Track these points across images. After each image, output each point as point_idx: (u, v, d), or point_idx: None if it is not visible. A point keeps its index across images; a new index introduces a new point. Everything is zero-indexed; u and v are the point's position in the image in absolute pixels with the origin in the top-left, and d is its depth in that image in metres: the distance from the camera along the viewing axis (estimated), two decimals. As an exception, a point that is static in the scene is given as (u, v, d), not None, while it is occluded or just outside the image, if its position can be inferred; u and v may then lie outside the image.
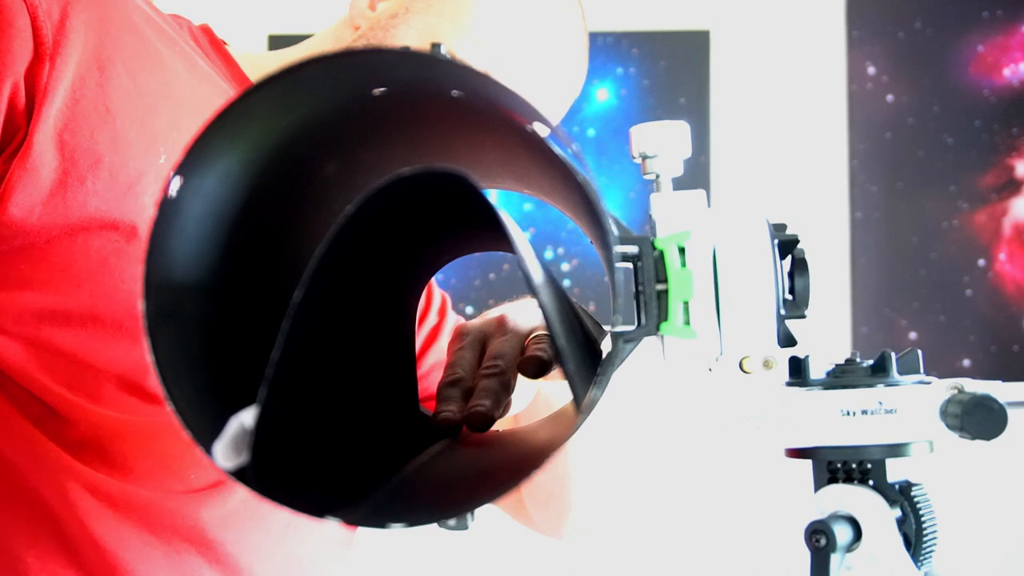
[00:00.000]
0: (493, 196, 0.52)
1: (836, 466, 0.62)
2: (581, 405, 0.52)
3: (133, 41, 0.81)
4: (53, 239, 0.76)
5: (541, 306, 0.50)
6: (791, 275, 0.60)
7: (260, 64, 0.98)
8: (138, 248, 0.76)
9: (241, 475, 0.50)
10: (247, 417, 0.50)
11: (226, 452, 0.50)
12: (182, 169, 0.50)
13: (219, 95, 0.87)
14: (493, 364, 0.73)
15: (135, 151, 0.78)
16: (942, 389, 0.60)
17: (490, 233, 0.56)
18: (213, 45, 0.96)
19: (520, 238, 0.51)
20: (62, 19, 0.77)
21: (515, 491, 0.50)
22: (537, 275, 0.50)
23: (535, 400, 0.95)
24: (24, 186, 0.75)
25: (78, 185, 0.76)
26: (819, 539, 0.60)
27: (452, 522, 0.52)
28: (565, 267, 2.44)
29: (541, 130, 0.50)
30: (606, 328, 0.71)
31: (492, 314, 0.82)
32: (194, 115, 0.81)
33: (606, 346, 0.67)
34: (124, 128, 0.78)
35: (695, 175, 2.44)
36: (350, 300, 0.62)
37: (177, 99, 0.82)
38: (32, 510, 0.81)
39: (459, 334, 0.79)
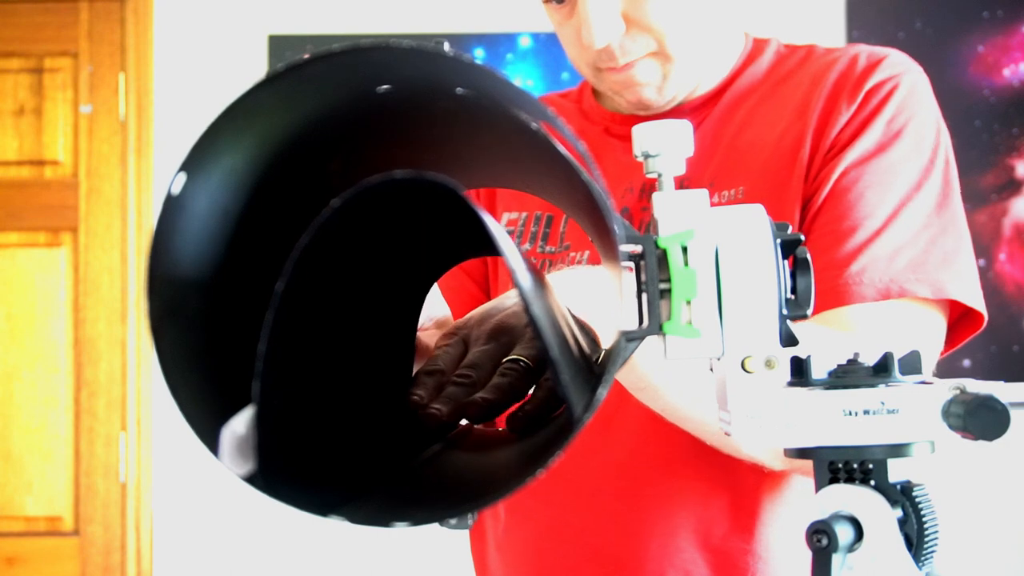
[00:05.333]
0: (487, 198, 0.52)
1: (838, 466, 0.62)
2: (582, 408, 0.52)
3: None
4: None
5: (533, 316, 0.50)
6: (793, 275, 0.60)
7: None
8: None
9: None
10: (238, 424, 0.50)
11: (233, 460, 0.50)
12: (186, 166, 0.50)
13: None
14: (465, 374, 0.69)
15: None
16: (944, 389, 0.60)
17: (488, 240, 0.56)
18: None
19: (511, 249, 0.51)
20: None
21: (517, 492, 0.50)
22: (527, 283, 0.50)
23: None
24: None
25: None
26: (820, 539, 0.60)
27: (454, 521, 0.52)
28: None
29: (546, 128, 0.50)
30: (604, 329, 0.70)
31: (488, 315, 0.78)
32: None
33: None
34: None
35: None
36: (350, 296, 0.62)
37: None
38: None
39: (448, 332, 0.76)
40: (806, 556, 1.09)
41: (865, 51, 1.08)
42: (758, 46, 1.15)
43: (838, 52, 1.10)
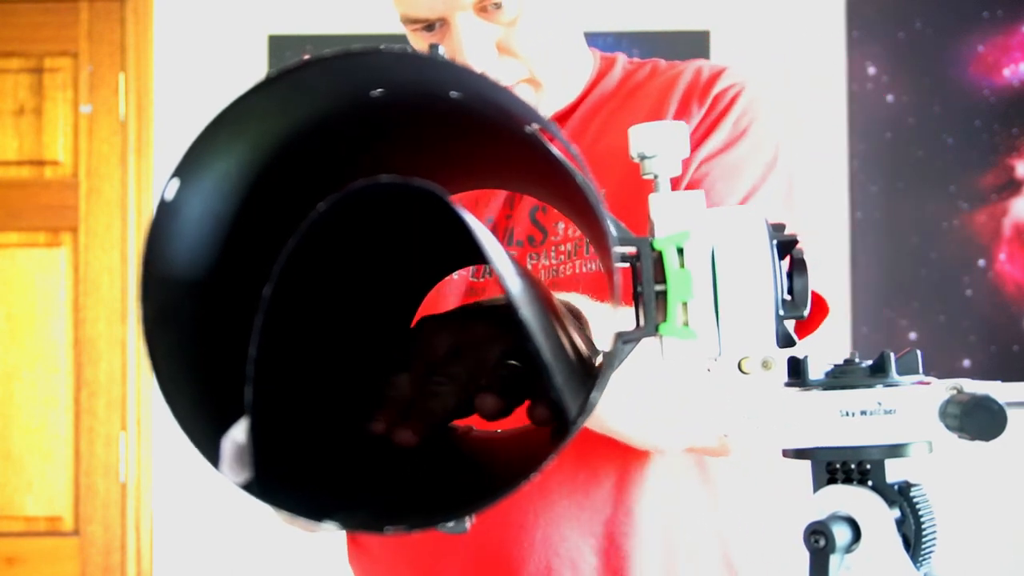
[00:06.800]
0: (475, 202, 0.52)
1: (835, 467, 0.62)
2: (577, 411, 0.52)
3: None
4: None
5: (523, 321, 0.49)
6: (790, 275, 0.60)
7: None
8: None
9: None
10: (238, 433, 0.50)
11: (232, 469, 0.50)
12: (180, 171, 0.50)
13: None
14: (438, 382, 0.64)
15: None
16: (941, 389, 0.60)
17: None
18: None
19: (498, 253, 0.51)
20: None
21: (512, 494, 0.50)
22: (516, 289, 0.50)
23: None
24: None
25: None
26: (818, 540, 0.60)
27: (450, 524, 0.51)
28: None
29: (539, 131, 0.50)
30: (604, 326, 0.70)
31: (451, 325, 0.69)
32: None
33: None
34: None
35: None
36: (345, 301, 0.62)
37: None
38: None
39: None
40: (674, 529, 1.11)
41: (707, 64, 1.17)
42: (607, 63, 1.21)
43: (681, 66, 1.18)
